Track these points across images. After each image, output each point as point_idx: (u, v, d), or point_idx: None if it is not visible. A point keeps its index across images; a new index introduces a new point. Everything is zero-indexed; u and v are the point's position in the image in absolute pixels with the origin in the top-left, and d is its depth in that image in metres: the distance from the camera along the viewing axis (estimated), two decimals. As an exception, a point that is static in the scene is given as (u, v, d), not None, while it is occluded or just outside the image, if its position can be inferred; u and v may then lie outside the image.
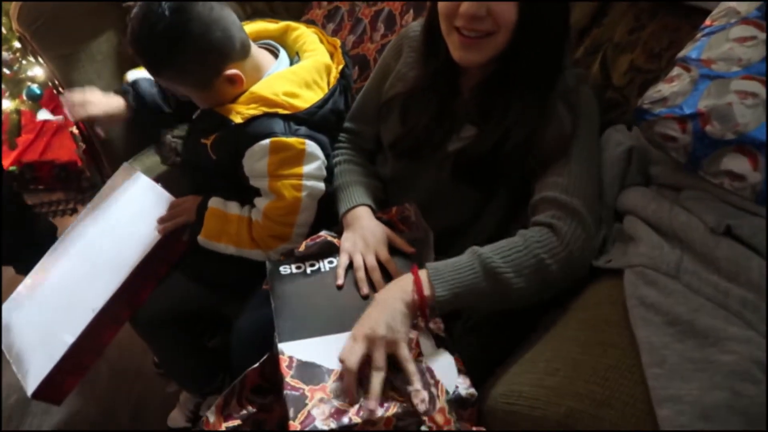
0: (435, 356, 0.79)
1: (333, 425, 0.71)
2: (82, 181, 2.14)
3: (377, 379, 0.74)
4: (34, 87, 2.09)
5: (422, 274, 0.82)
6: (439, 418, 0.72)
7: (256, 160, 1.03)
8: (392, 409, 0.73)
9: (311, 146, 1.04)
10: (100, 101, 1.22)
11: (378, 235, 0.97)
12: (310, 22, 1.48)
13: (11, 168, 2.21)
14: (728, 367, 0.62)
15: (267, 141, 1.00)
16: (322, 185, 1.07)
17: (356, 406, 0.73)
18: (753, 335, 0.64)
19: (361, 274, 0.91)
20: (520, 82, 0.91)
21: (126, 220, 1.20)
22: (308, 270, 0.96)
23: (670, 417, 0.61)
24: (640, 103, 0.84)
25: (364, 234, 0.97)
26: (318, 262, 0.97)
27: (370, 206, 1.03)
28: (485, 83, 0.96)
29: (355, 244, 0.96)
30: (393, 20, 1.34)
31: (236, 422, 0.83)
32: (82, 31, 1.48)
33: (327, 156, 1.10)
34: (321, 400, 0.74)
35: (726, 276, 0.70)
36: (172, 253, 1.17)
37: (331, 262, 0.96)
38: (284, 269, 0.96)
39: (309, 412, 0.73)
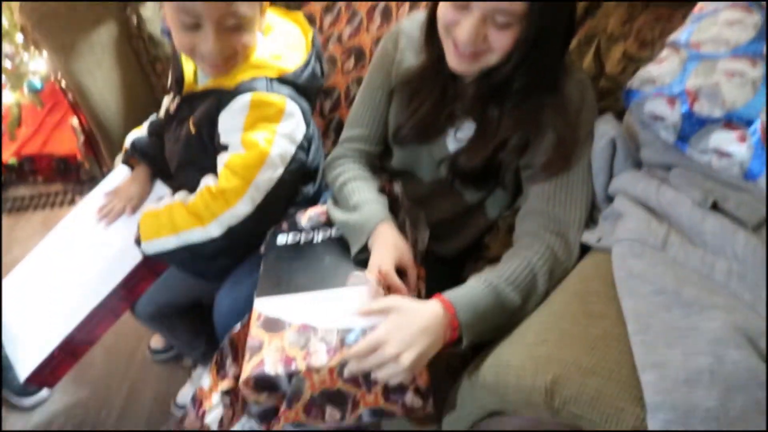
0: None
1: (280, 371, 0.74)
2: (81, 173, 2.15)
3: None
4: (35, 80, 2.11)
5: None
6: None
7: (234, 115, 1.02)
8: (337, 358, 0.74)
9: (291, 105, 1.04)
10: (131, 190, 1.22)
11: (400, 247, 0.91)
12: (308, 15, 1.50)
13: (11, 160, 2.23)
14: (712, 334, 0.63)
15: (248, 95, 1.00)
16: (293, 149, 1.05)
17: (303, 352, 0.75)
18: (737, 304, 0.65)
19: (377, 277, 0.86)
20: (516, 89, 0.89)
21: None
22: (302, 241, 0.98)
23: (654, 382, 0.62)
24: (629, 84, 0.85)
25: (387, 245, 0.91)
26: (312, 232, 0.99)
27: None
28: (485, 77, 0.95)
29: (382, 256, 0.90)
30: (389, 13, 1.35)
31: (232, 384, 0.84)
32: (83, 21, 1.49)
33: (308, 124, 1.09)
34: (275, 348, 0.76)
35: (712, 249, 0.71)
36: None
37: (326, 233, 0.98)
38: (281, 238, 0.99)
39: (262, 358, 0.76)
